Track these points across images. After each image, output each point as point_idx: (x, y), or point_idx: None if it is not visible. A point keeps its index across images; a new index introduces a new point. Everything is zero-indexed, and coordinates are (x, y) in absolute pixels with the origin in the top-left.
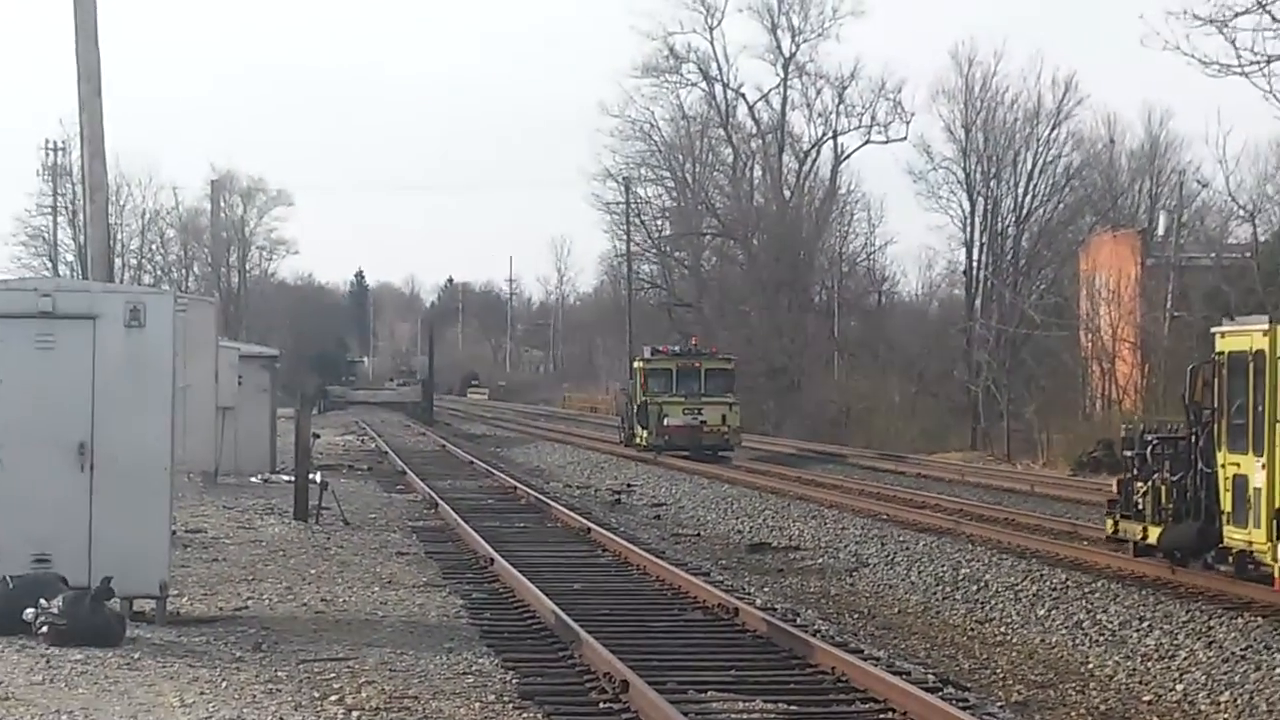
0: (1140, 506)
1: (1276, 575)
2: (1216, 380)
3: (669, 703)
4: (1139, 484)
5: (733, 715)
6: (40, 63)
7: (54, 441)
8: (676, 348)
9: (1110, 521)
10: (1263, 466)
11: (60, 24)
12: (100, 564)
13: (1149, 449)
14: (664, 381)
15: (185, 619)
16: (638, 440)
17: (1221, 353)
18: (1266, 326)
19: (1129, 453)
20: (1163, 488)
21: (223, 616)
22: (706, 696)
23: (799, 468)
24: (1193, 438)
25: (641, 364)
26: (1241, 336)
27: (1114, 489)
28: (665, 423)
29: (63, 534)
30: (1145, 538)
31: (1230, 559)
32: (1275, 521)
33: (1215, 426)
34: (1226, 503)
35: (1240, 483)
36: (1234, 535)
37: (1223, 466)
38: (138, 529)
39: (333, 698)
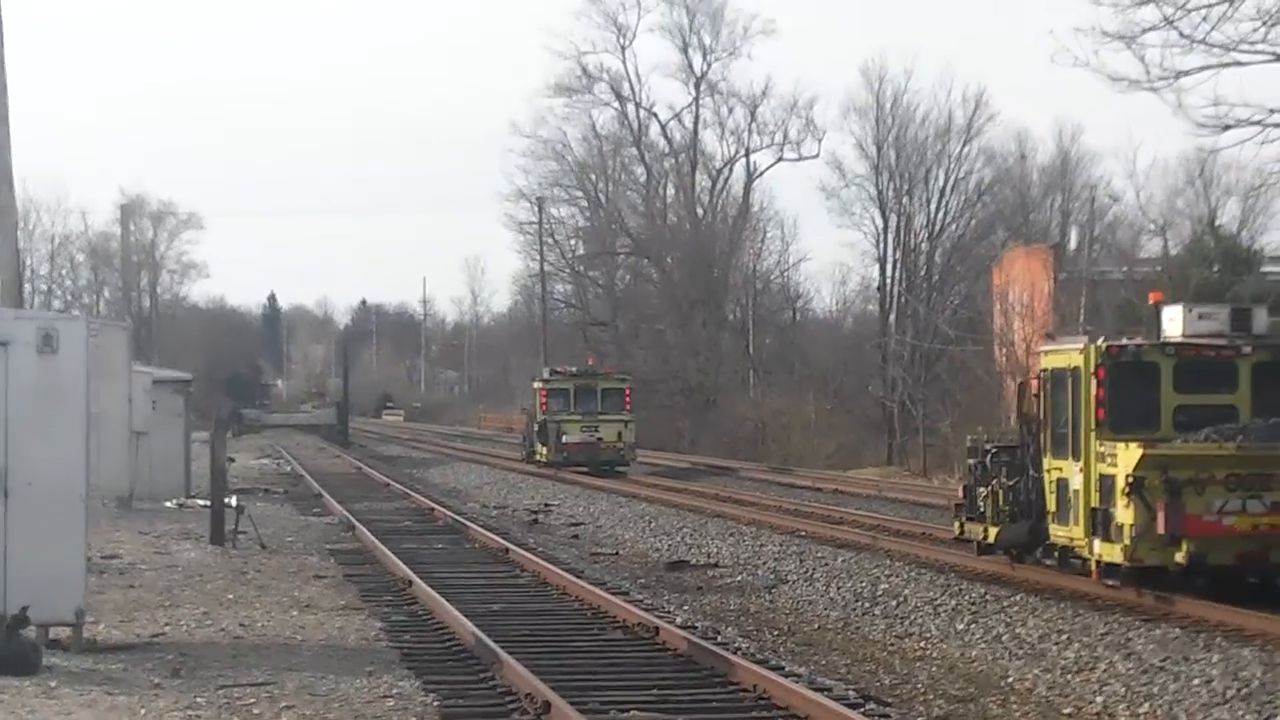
0: (982, 509)
1: (1093, 567)
2: (1042, 394)
3: None
4: (981, 489)
5: None
6: None
7: None
8: (574, 368)
9: (957, 524)
10: (1080, 470)
11: None
12: (15, 592)
13: (988, 457)
14: (562, 401)
15: (102, 646)
16: (538, 457)
17: (1046, 369)
18: (1082, 346)
19: (971, 461)
20: (1000, 492)
21: (140, 643)
22: (628, 716)
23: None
24: (1025, 446)
25: (541, 384)
26: (1062, 355)
27: (960, 494)
28: (564, 440)
29: None
30: (987, 537)
31: (1056, 554)
32: (1091, 519)
33: (1041, 435)
34: (1052, 504)
35: (1063, 485)
36: (1058, 532)
37: (1048, 471)
38: (53, 556)
39: None
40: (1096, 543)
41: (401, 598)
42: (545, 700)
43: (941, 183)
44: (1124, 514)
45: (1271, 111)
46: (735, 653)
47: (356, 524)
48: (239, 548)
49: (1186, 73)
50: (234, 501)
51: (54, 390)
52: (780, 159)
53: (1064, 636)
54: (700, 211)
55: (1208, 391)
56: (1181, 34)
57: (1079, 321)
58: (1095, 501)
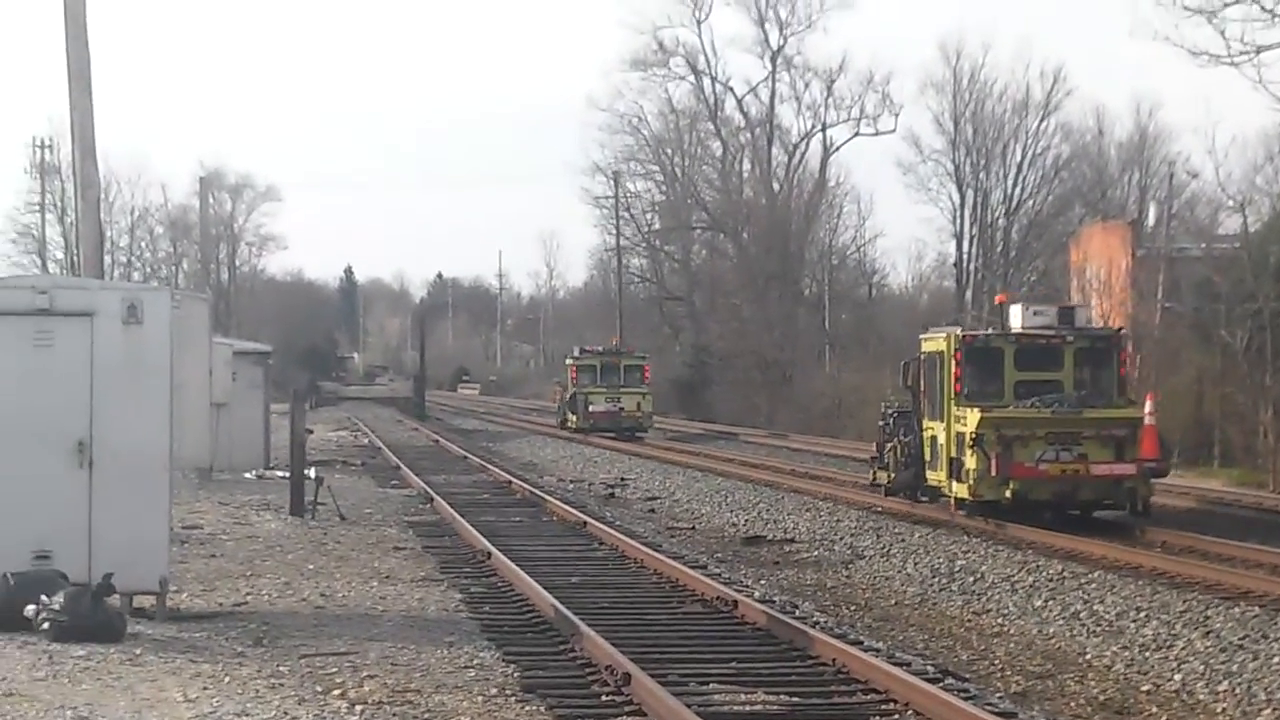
0: (886, 461)
1: (951, 502)
2: (921, 370)
3: (672, 695)
4: (888, 444)
5: (735, 707)
6: (28, 59)
7: (53, 439)
8: (600, 347)
9: (871, 473)
10: (944, 429)
11: (49, 21)
12: (100, 560)
13: (891, 419)
14: (590, 375)
15: (185, 614)
16: (569, 424)
17: (924, 351)
18: (946, 334)
19: (881, 423)
20: (898, 446)
21: (222, 612)
22: (708, 688)
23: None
24: (913, 411)
25: (572, 361)
26: (934, 341)
27: (874, 449)
28: (590, 409)
29: (63, 531)
30: (889, 482)
31: (929, 493)
32: (949, 466)
33: (921, 403)
34: (928, 455)
35: (934, 441)
36: (931, 477)
37: (926, 430)
38: (137, 525)
39: (335, 692)
40: (953, 483)
41: (480, 570)
42: (625, 672)
43: (1018, 158)
44: (970, 461)
45: None
46: (814, 627)
47: (435, 496)
48: (318, 519)
49: (1268, 47)
50: (313, 473)
51: (138, 361)
52: (857, 134)
53: (1142, 614)
54: (776, 186)
55: (1040, 370)
56: (1263, 8)
57: (1157, 298)
58: (953, 453)
